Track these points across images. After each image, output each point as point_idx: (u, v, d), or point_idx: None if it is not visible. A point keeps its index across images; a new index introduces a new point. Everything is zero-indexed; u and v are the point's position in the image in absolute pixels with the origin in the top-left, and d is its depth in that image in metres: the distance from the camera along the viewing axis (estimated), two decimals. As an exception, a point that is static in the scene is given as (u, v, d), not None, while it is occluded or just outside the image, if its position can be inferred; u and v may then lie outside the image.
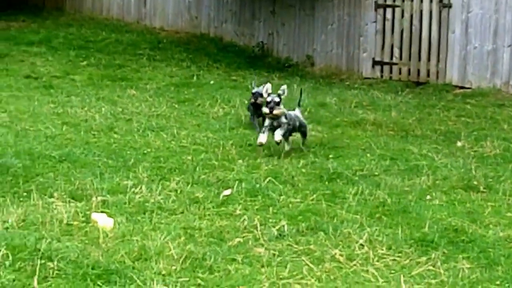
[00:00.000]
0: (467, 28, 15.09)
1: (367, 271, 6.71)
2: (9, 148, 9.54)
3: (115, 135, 10.79)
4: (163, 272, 6.45)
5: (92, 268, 6.38)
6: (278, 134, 9.97)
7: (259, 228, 7.47)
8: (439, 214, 8.13)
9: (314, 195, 8.55)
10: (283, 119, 10.01)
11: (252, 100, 11.32)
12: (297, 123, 10.42)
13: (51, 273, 6.28)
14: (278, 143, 10.05)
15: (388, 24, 16.01)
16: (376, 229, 7.57)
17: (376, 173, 9.60)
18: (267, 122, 10.04)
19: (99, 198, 7.98)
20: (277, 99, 9.93)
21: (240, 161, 9.73)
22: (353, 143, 11.13)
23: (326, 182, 9.17)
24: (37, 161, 9.15)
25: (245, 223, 7.62)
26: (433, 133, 11.95)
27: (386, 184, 9.10)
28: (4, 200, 7.77)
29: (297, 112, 10.59)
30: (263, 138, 9.97)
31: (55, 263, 6.39)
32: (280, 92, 10.17)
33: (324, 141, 11.09)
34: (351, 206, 8.31)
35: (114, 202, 8.01)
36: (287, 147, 10.39)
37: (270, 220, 7.75)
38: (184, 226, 7.47)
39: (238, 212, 7.91)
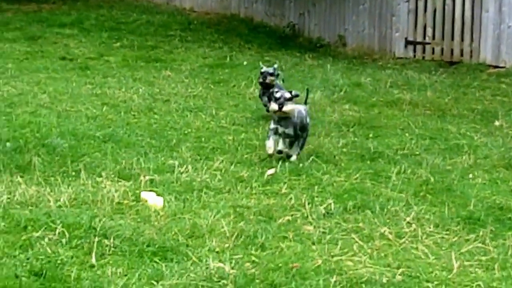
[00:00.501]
0: (500, 7, 15.08)
1: (417, 248, 6.80)
2: (53, 128, 9.68)
3: (155, 116, 10.91)
4: (217, 249, 6.56)
5: (147, 246, 6.50)
6: (296, 152, 9.22)
7: (306, 207, 7.55)
8: (482, 193, 8.21)
9: (357, 174, 8.64)
10: (293, 119, 8.99)
11: (260, 80, 10.89)
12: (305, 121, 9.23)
13: (107, 250, 6.40)
14: (290, 157, 9.12)
15: (420, 4, 16.00)
16: (422, 208, 7.65)
17: (417, 152, 9.68)
18: (272, 124, 8.99)
19: (147, 177, 8.09)
20: (288, 95, 8.94)
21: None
22: (391, 122, 11.20)
23: (368, 161, 9.25)
24: (81, 141, 9.28)
25: (292, 201, 7.73)
26: (470, 112, 11.99)
27: (428, 163, 9.18)
28: (55, 180, 7.90)
29: (302, 109, 9.34)
30: (270, 146, 9.01)
31: (111, 240, 6.51)
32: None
33: (362, 120, 11.18)
34: (395, 185, 8.39)
35: (162, 181, 8.13)
36: (282, 147, 9.11)
37: (316, 199, 7.85)
38: (232, 205, 7.57)
39: (284, 191, 8.01)
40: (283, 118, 8.94)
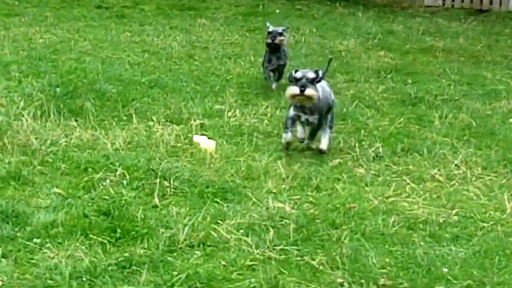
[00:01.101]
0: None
1: (468, 190, 6.80)
2: (99, 74, 9.69)
3: (195, 62, 10.89)
4: (274, 191, 6.58)
5: (207, 187, 6.53)
6: (325, 143, 7.54)
7: (355, 150, 7.55)
8: (525, 136, 8.19)
9: (401, 119, 8.62)
10: (318, 103, 7.32)
11: (269, 40, 9.43)
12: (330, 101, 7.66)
13: (168, 191, 6.42)
14: (323, 152, 7.50)
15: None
16: (468, 151, 7.64)
17: (456, 98, 9.66)
18: (292, 111, 7.39)
19: (197, 122, 8.09)
20: (311, 75, 7.22)
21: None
22: (427, 69, 11.17)
23: (409, 106, 9.24)
24: (128, 87, 9.28)
25: (341, 144, 7.73)
26: (503, 59, 11.95)
27: (468, 108, 9.16)
28: (108, 124, 7.91)
29: (326, 86, 7.75)
30: (288, 137, 7.45)
31: (171, 182, 6.53)
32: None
33: (398, 67, 11.15)
34: (439, 129, 8.38)
35: (211, 125, 8.15)
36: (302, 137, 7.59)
37: (364, 142, 7.84)
38: (282, 148, 7.56)
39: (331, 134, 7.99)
40: (306, 104, 7.26)
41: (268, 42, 9.43)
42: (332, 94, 7.75)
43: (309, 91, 7.11)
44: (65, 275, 5.08)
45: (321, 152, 7.40)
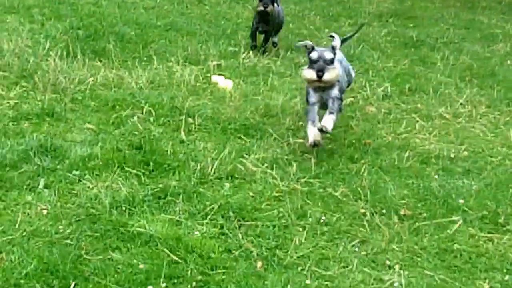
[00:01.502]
0: None
1: (474, 127, 6.83)
2: (117, 18, 9.58)
3: (206, 7, 10.81)
4: (292, 127, 6.57)
5: (229, 124, 6.53)
6: (330, 122, 5.95)
7: (366, 89, 7.54)
8: (524, 77, 8.20)
9: (405, 60, 8.60)
10: (335, 91, 6.02)
11: (261, 8, 8.43)
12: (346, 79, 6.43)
13: (193, 127, 6.42)
14: (326, 132, 5.97)
15: None
16: (472, 91, 7.65)
17: (456, 41, 9.65)
18: (312, 97, 6.05)
19: (214, 62, 8.05)
20: (329, 55, 5.89)
21: (327, 30, 9.74)
22: (425, 13, 11.14)
23: (412, 49, 9.24)
24: (146, 30, 9.21)
25: (352, 84, 7.69)
26: (497, 4, 11.93)
27: (468, 50, 9.16)
28: (131, 64, 7.86)
29: (344, 60, 6.57)
30: (315, 133, 5.96)
31: (195, 118, 6.51)
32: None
33: (398, 11, 11.11)
34: (442, 70, 8.37)
35: (227, 66, 8.11)
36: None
37: (373, 82, 7.82)
38: (296, 88, 7.55)
39: (341, 74, 7.95)
40: (325, 90, 5.99)
41: (259, 10, 8.46)
42: (352, 68, 6.75)
43: (328, 75, 5.83)
44: (105, 204, 5.09)
45: (323, 131, 5.93)
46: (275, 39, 8.82)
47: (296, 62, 8.38)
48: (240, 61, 8.26)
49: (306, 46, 5.98)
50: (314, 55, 5.87)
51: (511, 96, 7.61)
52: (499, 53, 9.14)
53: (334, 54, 5.90)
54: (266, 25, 8.62)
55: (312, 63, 5.86)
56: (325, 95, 5.99)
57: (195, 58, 8.28)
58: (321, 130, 5.87)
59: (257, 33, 8.70)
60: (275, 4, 8.47)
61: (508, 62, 8.84)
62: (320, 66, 5.81)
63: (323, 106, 6.01)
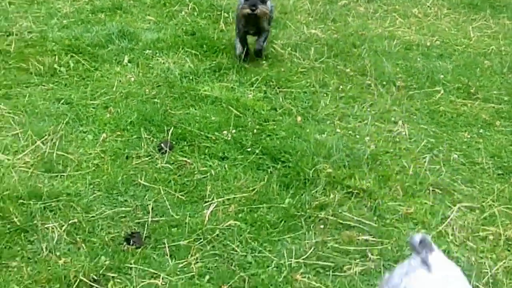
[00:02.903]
0: None
1: (440, 23, 7.10)
2: None
3: None
4: (304, 22, 6.81)
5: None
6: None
7: (355, -6, 7.74)
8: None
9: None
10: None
11: (247, 11, 5.43)
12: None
13: (229, 20, 6.62)
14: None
15: None
16: (435, -4, 7.88)
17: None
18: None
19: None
20: None
21: None
22: None
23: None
24: None
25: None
26: None
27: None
28: None
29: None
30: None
31: (229, 14, 6.72)
32: None
33: None
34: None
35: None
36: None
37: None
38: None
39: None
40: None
41: (245, 13, 5.43)
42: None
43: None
44: (176, 74, 5.36)
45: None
46: (261, 45, 5.69)
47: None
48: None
49: None
50: None
51: (466, 1, 7.81)
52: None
53: None
54: (257, 27, 5.59)
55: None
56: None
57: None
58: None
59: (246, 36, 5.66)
60: (268, 2, 5.51)
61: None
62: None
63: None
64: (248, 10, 5.34)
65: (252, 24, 5.46)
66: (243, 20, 5.43)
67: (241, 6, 5.34)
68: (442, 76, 5.70)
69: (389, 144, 4.69)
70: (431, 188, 4.22)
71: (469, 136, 4.86)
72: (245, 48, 5.61)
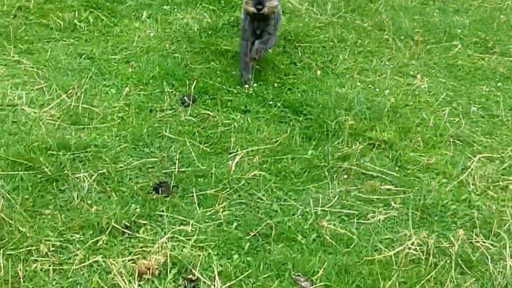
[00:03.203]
0: None
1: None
2: None
3: None
4: None
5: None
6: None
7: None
8: None
9: None
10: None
11: (253, 9, 4.65)
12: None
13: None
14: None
15: None
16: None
17: None
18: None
19: None
20: None
21: None
22: None
23: None
24: None
25: None
26: None
27: None
28: None
29: None
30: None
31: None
32: None
33: None
34: None
35: None
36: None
37: None
38: None
39: None
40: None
41: (250, 12, 4.69)
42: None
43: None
44: (195, 30, 5.41)
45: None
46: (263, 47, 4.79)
47: None
48: None
49: None
50: None
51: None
52: None
53: None
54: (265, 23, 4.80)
55: None
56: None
57: None
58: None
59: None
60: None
61: None
62: None
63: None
64: (253, 9, 4.62)
65: (259, 19, 4.71)
66: (249, 17, 4.71)
67: (245, 1, 4.61)
68: (459, 30, 5.74)
69: (408, 97, 4.76)
70: (451, 140, 4.30)
71: (487, 90, 4.93)
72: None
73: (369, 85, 4.91)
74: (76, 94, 4.49)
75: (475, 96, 4.85)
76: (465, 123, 4.50)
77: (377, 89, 4.84)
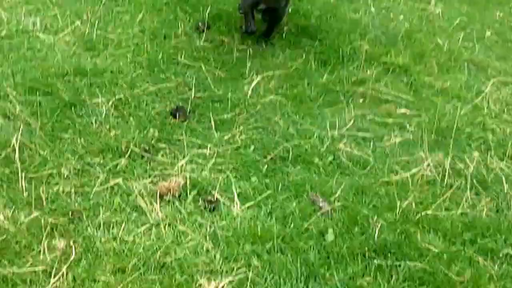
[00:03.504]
0: None
1: None
2: None
3: None
4: None
5: None
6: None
7: None
8: None
9: None
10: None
11: None
12: None
13: None
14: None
15: None
16: None
17: None
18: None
19: None
20: None
21: None
22: None
23: None
24: None
25: None
26: None
27: None
28: None
29: None
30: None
31: None
32: None
33: None
34: None
35: None
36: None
37: None
38: None
39: None
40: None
41: None
42: None
43: None
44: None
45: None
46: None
47: None
48: None
49: None
50: None
51: None
52: None
53: None
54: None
55: None
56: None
57: None
58: None
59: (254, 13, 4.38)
60: None
61: None
62: None
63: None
64: None
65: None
66: None
67: None
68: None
69: (422, 23, 4.74)
70: (465, 64, 4.30)
71: (501, 15, 4.90)
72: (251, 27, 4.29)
73: (383, 11, 4.89)
74: (90, 20, 4.48)
75: (489, 22, 4.82)
76: (479, 48, 4.49)
77: (392, 15, 4.82)
